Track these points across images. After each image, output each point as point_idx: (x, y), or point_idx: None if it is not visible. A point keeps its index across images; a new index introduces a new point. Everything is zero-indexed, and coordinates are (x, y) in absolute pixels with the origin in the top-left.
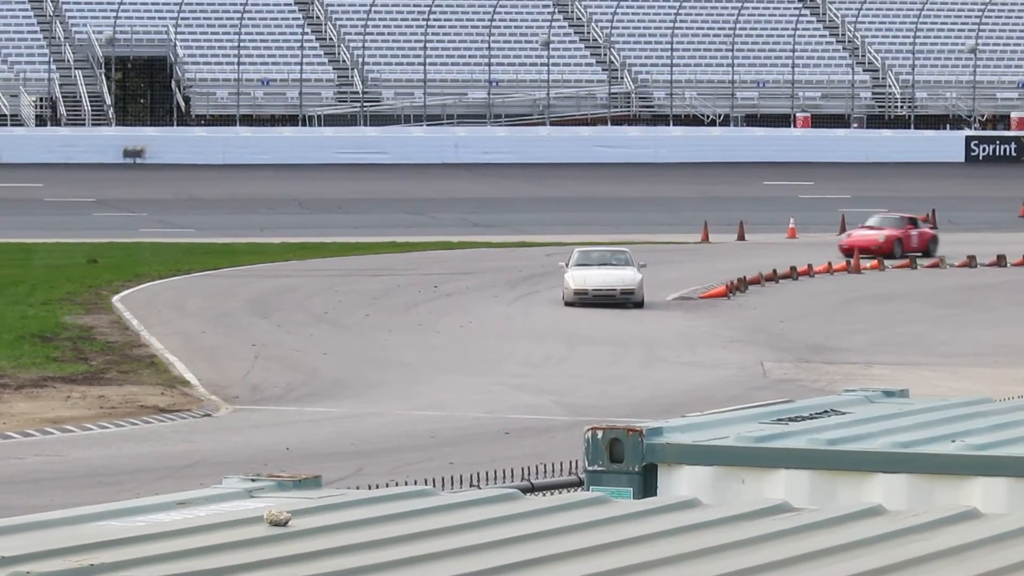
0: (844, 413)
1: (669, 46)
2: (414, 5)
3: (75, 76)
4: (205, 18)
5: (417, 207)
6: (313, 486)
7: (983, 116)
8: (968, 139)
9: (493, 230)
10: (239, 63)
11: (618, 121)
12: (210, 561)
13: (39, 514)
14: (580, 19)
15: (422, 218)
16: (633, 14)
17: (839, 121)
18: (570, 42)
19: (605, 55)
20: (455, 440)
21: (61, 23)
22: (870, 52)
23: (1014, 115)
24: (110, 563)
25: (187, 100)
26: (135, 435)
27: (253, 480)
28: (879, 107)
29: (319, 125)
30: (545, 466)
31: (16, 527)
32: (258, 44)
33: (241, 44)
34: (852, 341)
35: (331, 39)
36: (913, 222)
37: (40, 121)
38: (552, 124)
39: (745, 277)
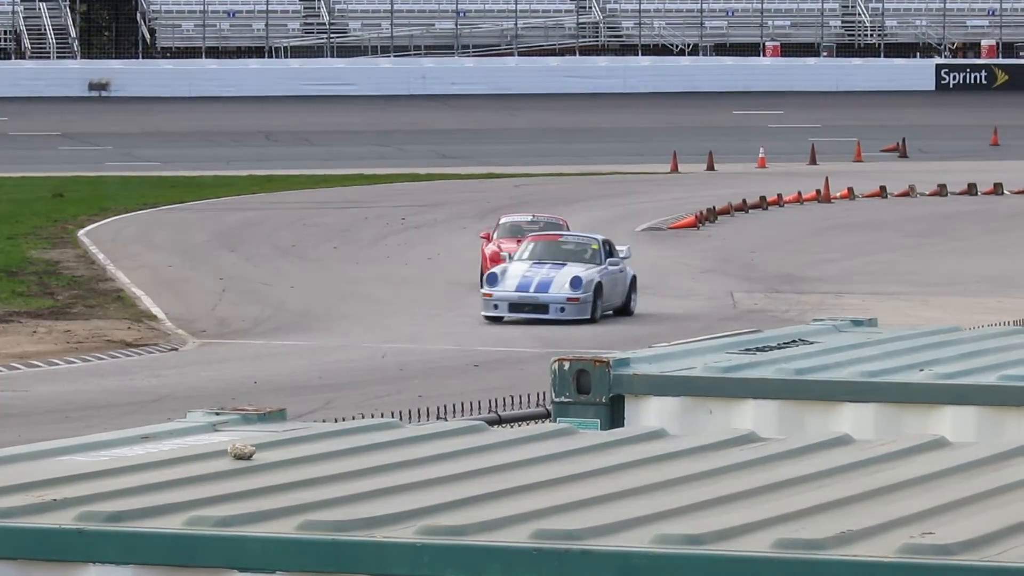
0: (812, 343)
1: None
2: None
3: (39, 8)
4: None
5: (384, 139)
6: (278, 419)
7: (953, 44)
8: (938, 67)
9: (461, 161)
10: None
11: (586, 51)
12: (174, 495)
13: (2, 449)
14: None
15: (389, 150)
16: None
17: (809, 50)
18: None
19: None
20: (424, 373)
21: None
22: None
23: (984, 43)
24: (73, 498)
25: (152, 32)
26: (102, 370)
27: (218, 414)
28: (849, 35)
29: (286, 57)
30: (513, 398)
31: None
32: None
33: None
34: (822, 271)
35: None
36: None
37: (4, 54)
38: (520, 55)
39: (714, 207)
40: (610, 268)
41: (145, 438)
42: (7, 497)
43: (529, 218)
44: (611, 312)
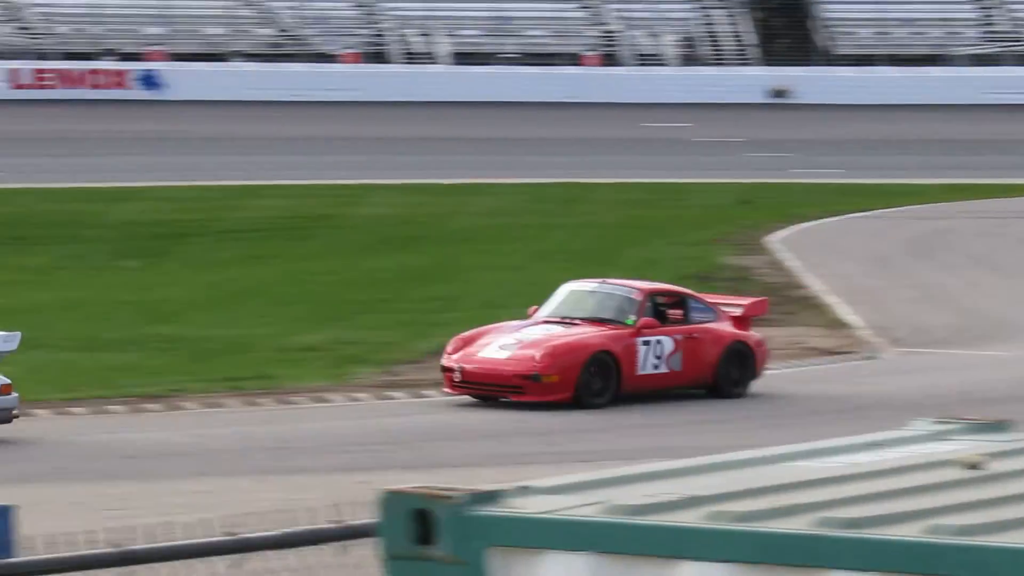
0: None
1: None
2: None
3: (713, 16)
4: None
5: None
6: (1003, 429)
7: None
8: None
9: None
10: (879, 1)
11: None
12: (910, 503)
13: (732, 453)
14: None
15: None
16: None
17: None
18: None
19: None
20: None
21: None
22: None
23: None
24: (809, 503)
25: (830, 40)
26: (800, 377)
27: (941, 422)
28: None
29: (964, 65)
30: None
31: (711, 466)
32: None
33: None
34: None
35: None
36: None
37: (682, 60)
38: None
39: None
40: None
41: (873, 445)
42: (739, 501)
43: (592, 287)
44: None
